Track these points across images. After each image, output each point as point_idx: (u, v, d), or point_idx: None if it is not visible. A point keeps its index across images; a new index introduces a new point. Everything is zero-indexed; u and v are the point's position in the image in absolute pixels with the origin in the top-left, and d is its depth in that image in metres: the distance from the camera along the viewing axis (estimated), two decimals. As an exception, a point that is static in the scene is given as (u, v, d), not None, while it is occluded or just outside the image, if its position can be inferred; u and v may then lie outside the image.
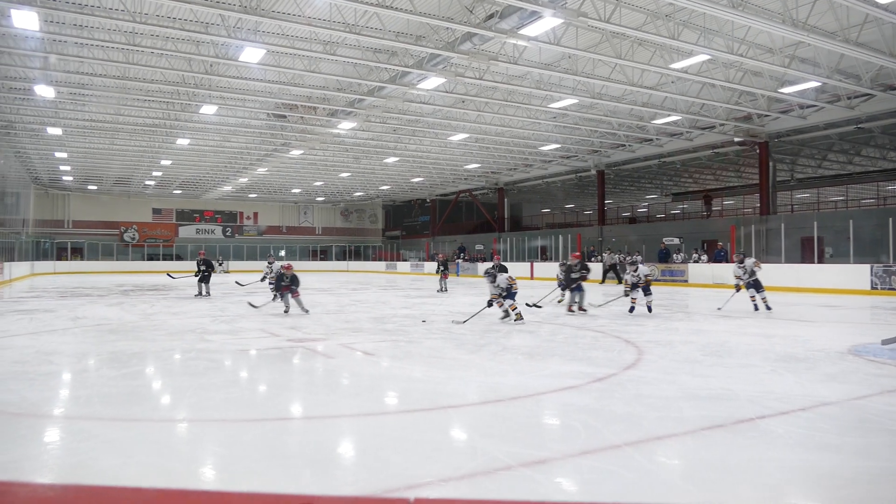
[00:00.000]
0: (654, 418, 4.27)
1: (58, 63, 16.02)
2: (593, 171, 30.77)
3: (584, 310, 11.77)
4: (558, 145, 26.79)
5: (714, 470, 3.30)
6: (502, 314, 10.49)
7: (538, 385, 5.42)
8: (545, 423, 4.42)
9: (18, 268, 27.51)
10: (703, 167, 32.27)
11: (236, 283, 19.87)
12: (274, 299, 12.27)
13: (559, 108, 20.34)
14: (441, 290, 19.07)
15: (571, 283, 11.94)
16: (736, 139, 23.42)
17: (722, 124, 21.82)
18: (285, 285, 11.65)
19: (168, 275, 22.31)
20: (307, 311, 11.62)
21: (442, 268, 20.10)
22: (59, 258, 38.92)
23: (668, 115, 20.86)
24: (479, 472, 3.19)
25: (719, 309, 12.23)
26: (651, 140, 25.44)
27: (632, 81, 16.89)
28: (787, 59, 14.87)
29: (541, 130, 24.08)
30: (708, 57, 14.82)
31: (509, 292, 10.25)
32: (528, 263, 30.21)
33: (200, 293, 16.33)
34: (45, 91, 17.64)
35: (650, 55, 15.07)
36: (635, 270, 11.60)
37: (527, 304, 12.42)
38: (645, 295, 11.57)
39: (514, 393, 5.11)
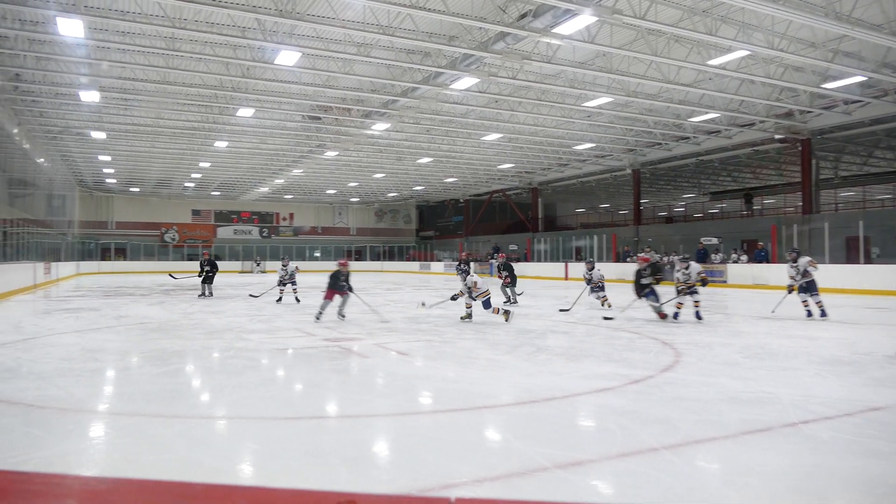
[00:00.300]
0: (692, 422, 4.19)
1: (101, 69, 16.50)
2: (629, 170, 30.37)
3: (665, 315, 10.46)
4: (593, 144, 26.52)
5: (755, 475, 3.22)
6: (464, 314, 10.49)
7: (573, 386, 5.37)
8: (580, 424, 4.38)
9: (65, 268, 28.39)
10: (743, 165, 31.54)
11: (250, 295, 17.80)
12: (279, 301, 12.30)
13: (594, 107, 20.13)
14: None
15: (643, 289, 10.58)
16: (777, 136, 22.84)
17: (762, 121, 21.31)
18: (343, 286, 10.48)
19: (170, 275, 21.86)
20: (343, 317, 10.66)
21: (465, 266, 18.53)
22: (103, 258, 40.05)
23: (706, 113, 20.46)
24: (513, 473, 3.18)
25: (773, 312, 11.51)
26: (688, 138, 25.00)
27: (668, 79, 16.62)
28: (831, 53, 14.45)
29: (575, 129, 23.87)
30: (747, 53, 14.48)
31: (470, 295, 10.22)
32: (563, 264, 29.97)
33: (204, 294, 16.12)
34: (89, 96, 18.17)
35: (687, 52, 14.81)
36: (686, 268, 10.38)
37: (560, 310, 12.20)
38: (691, 297, 10.40)
39: (549, 394, 5.07)
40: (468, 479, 3.12)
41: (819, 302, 10.73)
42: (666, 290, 11.08)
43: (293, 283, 14.45)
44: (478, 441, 3.92)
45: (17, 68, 16.15)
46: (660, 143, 26.48)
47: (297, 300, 14.28)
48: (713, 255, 24.22)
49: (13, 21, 13.11)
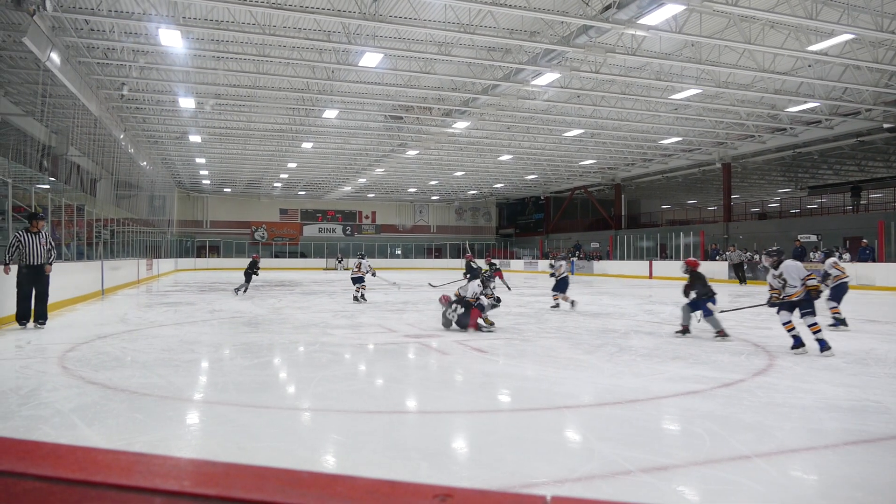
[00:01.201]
0: (788, 429, 3.96)
1: (198, 76, 17.46)
2: (718, 165, 29.08)
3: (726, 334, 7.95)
4: (680, 138, 25.55)
5: (858, 489, 3.01)
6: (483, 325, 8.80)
7: (658, 388, 5.20)
8: (666, 428, 4.23)
9: (164, 264, 30.25)
10: (846, 157, 29.55)
11: (430, 284, 18.51)
12: (356, 300, 12.73)
13: (681, 99, 19.39)
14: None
15: (693, 305, 8.31)
16: (885, 125, 21.21)
17: (868, 110, 19.86)
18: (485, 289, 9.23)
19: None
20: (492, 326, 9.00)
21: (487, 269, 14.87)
22: (198, 255, 42.41)
23: (805, 102, 19.27)
24: (595, 475, 3.11)
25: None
26: (784, 129, 23.64)
27: (762, 67, 15.77)
28: (949, 33, 13.27)
29: (661, 123, 23.10)
30: (852, 36, 13.51)
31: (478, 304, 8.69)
32: (647, 262, 29.11)
33: (241, 290, 16.16)
34: (186, 102, 19.25)
35: (783, 38, 13.99)
36: (776, 267, 7.08)
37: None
38: (803, 314, 6.83)
39: (633, 395, 4.93)
40: (548, 479, 3.08)
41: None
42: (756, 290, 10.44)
43: (362, 282, 14.23)
44: (558, 441, 3.87)
45: (123, 78, 17.33)
46: (753, 136, 25.18)
47: (358, 298, 14.01)
48: (811, 254, 22.80)
49: (119, 34, 14.09)
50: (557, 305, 12.23)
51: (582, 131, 24.21)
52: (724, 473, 3.17)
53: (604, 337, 8.29)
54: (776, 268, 7.11)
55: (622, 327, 9.40)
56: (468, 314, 8.62)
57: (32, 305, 8.35)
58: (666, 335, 8.53)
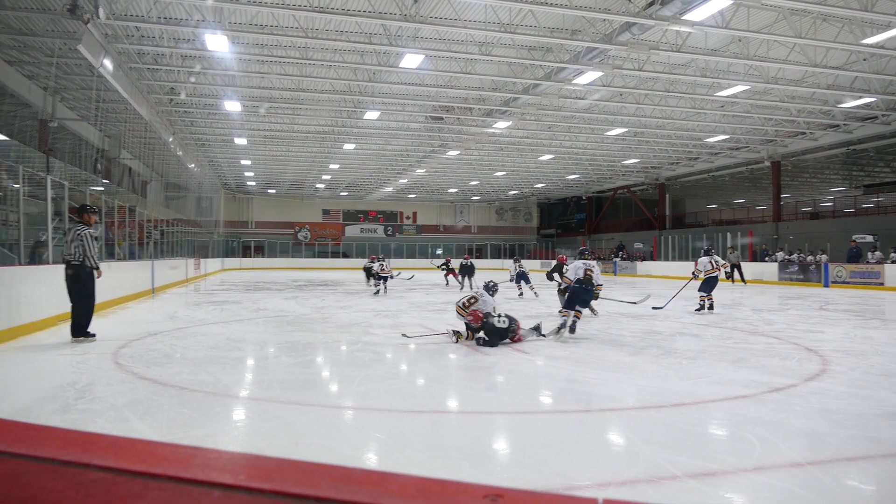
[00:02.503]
0: (843, 437, 3.82)
1: (243, 79, 17.85)
2: (767, 163, 28.23)
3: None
4: (726, 136, 24.92)
5: (921, 500, 2.88)
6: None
7: (704, 392, 5.08)
8: (713, 433, 4.13)
9: (212, 264, 31.02)
10: (904, 154, 28.32)
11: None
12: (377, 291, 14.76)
13: (728, 96, 18.90)
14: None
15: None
16: (946, 121, 20.30)
17: (928, 104, 19.03)
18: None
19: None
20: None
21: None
22: (244, 255, 43.36)
23: (860, 98, 18.57)
24: (640, 479, 3.06)
25: None
26: (837, 126, 22.82)
27: (814, 62, 15.25)
28: None
29: (707, 121, 22.57)
30: (910, 28, 12.98)
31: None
32: (693, 263, 28.45)
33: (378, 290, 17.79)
34: (232, 106, 19.71)
35: (836, 31, 13.51)
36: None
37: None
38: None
39: (678, 399, 4.82)
40: (591, 482, 3.04)
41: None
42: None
43: (383, 279, 16.88)
44: (601, 444, 3.81)
45: (172, 83, 17.85)
46: (804, 133, 24.39)
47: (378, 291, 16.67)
48: (869, 254, 21.97)
49: (168, 40, 14.52)
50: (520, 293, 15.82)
51: (625, 130, 23.84)
52: (775, 481, 3.08)
53: (648, 339, 8.15)
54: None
55: (667, 329, 9.22)
56: (497, 336, 7.34)
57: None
58: (713, 338, 8.34)
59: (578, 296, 8.19)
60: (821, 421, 4.14)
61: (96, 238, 7.77)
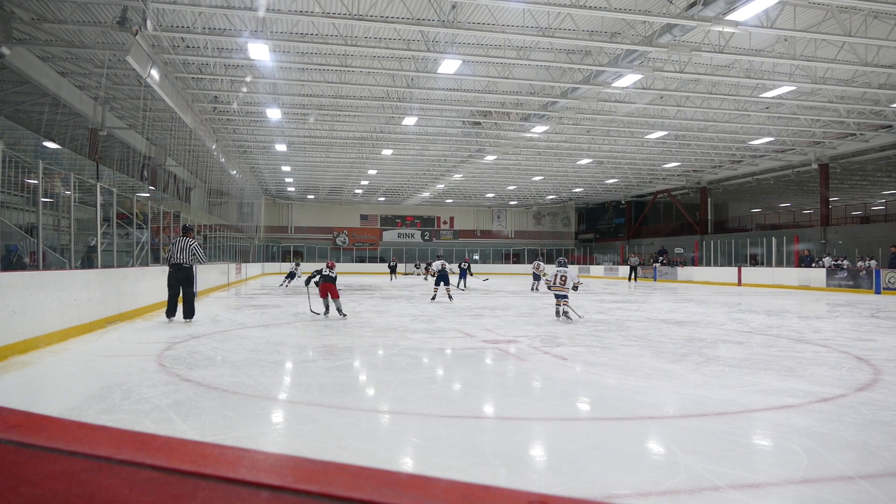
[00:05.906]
0: (896, 449, 3.68)
1: (284, 87, 18.19)
2: (814, 165, 27.42)
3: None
4: (771, 138, 24.30)
5: (981, 517, 2.75)
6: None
7: (748, 401, 4.95)
8: (757, 443, 4.02)
9: (252, 268, 31.61)
10: (962, 156, 27.16)
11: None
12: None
13: (773, 98, 18.45)
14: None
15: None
16: None
17: None
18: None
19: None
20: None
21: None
22: (283, 259, 44.06)
23: (913, 97, 17.93)
24: (681, 489, 3.00)
25: None
26: (890, 126, 22.05)
27: (865, 61, 14.77)
28: None
29: (750, 123, 22.08)
30: (967, 25, 12.48)
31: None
32: (736, 268, 27.83)
33: (283, 284, 21.89)
34: (273, 113, 20.08)
35: (889, 29, 13.07)
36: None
37: None
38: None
39: (721, 408, 4.71)
40: (631, 491, 2.99)
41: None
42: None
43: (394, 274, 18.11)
44: (641, 452, 3.75)
45: (216, 91, 18.29)
46: (854, 134, 23.62)
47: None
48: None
49: (213, 50, 14.90)
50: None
51: (665, 133, 23.47)
52: (823, 494, 2.98)
53: (689, 346, 7.99)
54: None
55: (709, 336, 9.03)
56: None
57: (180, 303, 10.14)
58: (757, 346, 8.13)
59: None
60: (872, 433, 4.00)
61: (200, 245, 10.50)
